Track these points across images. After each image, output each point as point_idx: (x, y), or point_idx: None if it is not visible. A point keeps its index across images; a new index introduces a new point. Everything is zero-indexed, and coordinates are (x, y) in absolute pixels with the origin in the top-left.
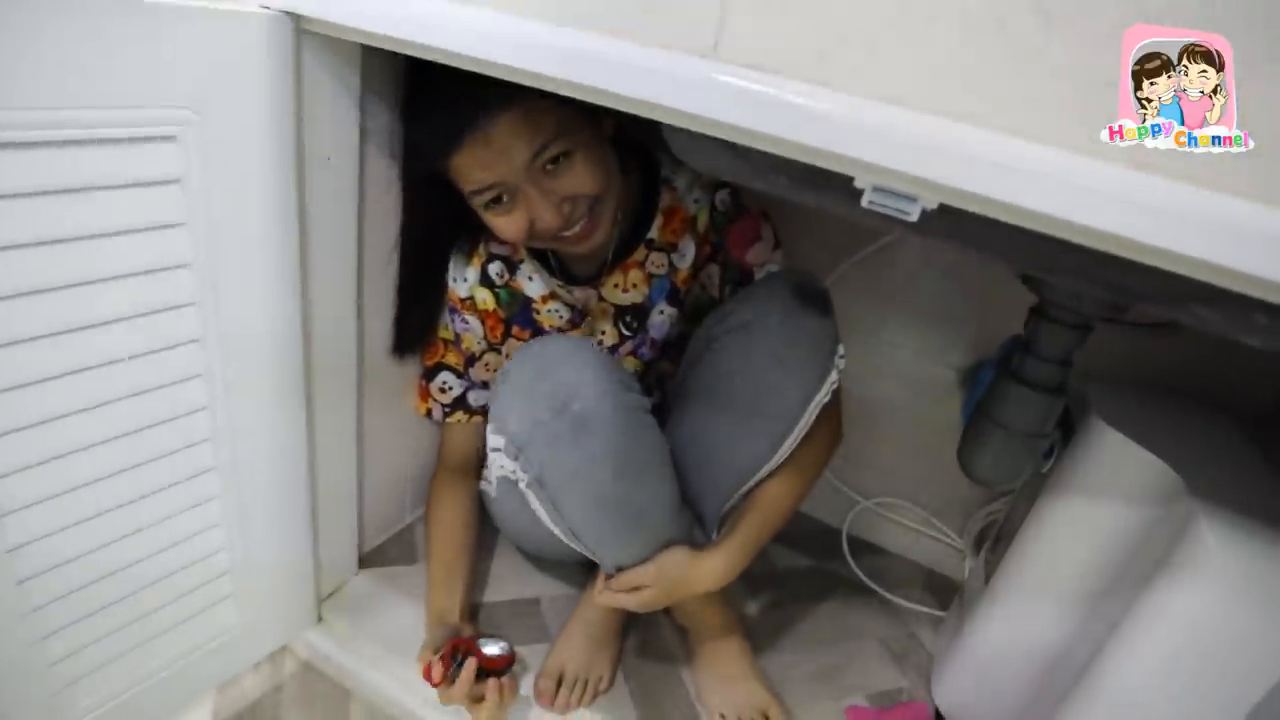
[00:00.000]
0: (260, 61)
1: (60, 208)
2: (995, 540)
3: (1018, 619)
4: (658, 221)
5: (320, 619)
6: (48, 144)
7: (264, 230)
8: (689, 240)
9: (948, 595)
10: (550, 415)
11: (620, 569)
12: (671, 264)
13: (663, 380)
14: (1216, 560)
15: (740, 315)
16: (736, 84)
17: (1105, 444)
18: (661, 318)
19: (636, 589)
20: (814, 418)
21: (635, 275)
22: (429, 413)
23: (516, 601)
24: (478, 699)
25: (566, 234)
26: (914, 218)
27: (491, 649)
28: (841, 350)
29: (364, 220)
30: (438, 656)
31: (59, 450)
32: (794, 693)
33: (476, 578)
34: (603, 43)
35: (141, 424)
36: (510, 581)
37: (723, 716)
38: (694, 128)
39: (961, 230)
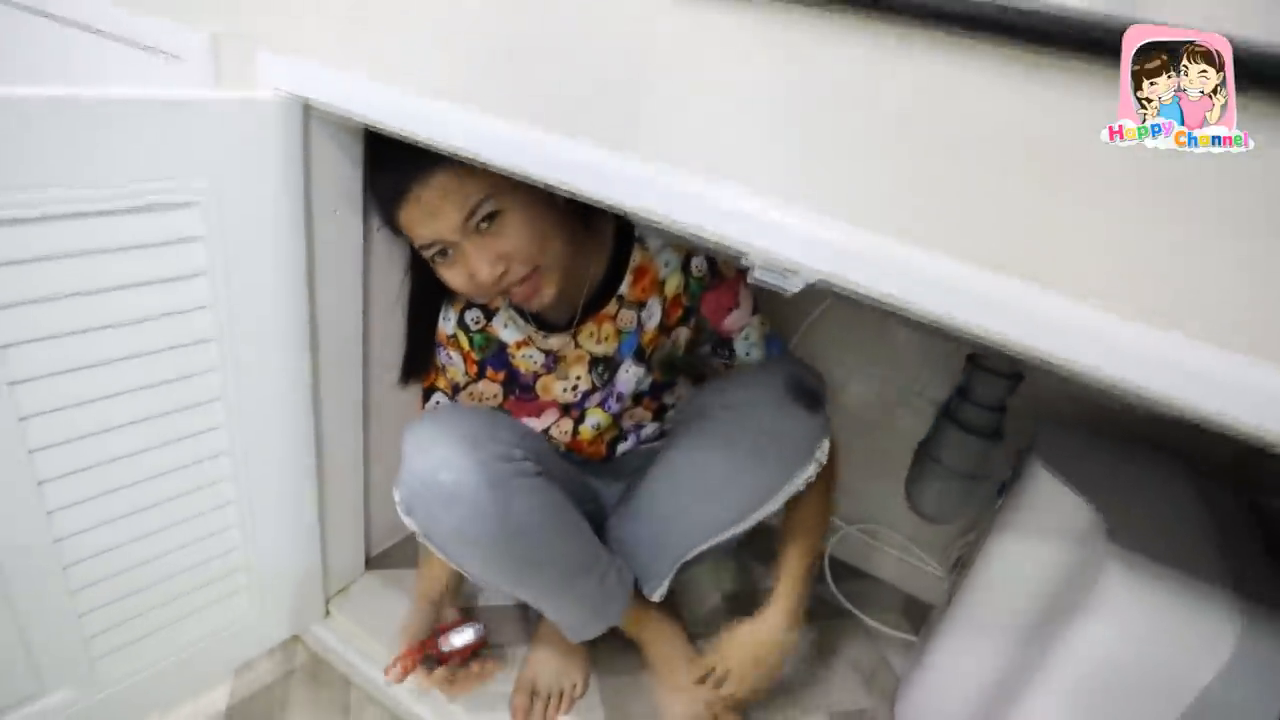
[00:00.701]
0: (273, 136)
1: (105, 261)
2: (959, 569)
3: (966, 648)
4: (628, 279)
5: (328, 614)
6: (97, 213)
7: (276, 274)
8: (656, 302)
9: (924, 621)
10: (423, 486)
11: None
12: (640, 322)
13: (640, 426)
14: (1121, 602)
15: (734, 395)
16: (641, 174)
17: (1040, 485)
18: (628, 375)
19: (715, 679)
20: (784, 500)
21: (608, 328)
22: None
23: (505, 606)
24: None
25: (511, 292)
26: (793, 291)
27: (459, 639)
28: (825, 446)
29: (370, 260)
30: (406, 654)
31: (96, 460)
32: (757, 708)
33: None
34: (529, 134)
35: (167, 438)
36: None
37: None
38: (612, 209)
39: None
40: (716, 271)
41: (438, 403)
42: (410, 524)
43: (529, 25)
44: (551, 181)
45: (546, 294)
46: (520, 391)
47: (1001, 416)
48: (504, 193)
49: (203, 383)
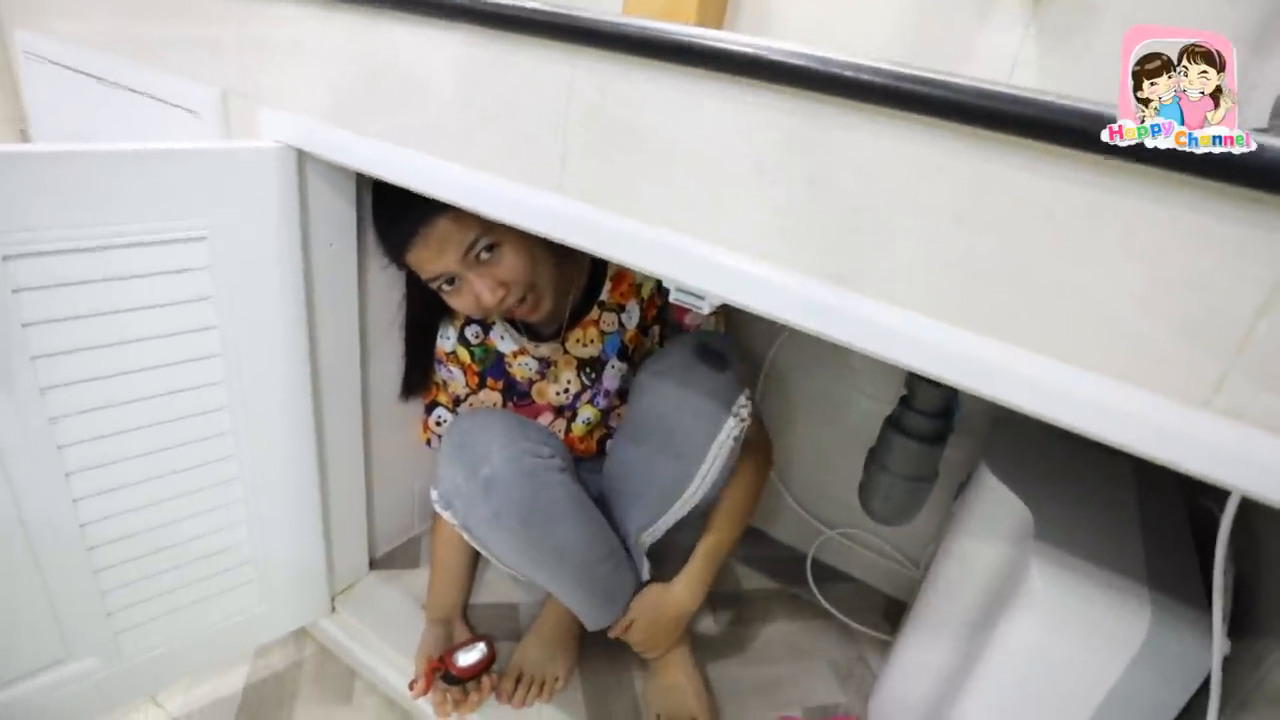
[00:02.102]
0: (272, 179)
1: (124, 287)
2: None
3: (926, 644)
4: (607, 286)
5: (334, 610)
6: (118, 246)
7: (276, 298)
8: (635, 303)
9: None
10: (464, 478)
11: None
12: (621, 323)
13: None
14: (1041, 595)
15: (654, 367)
16: (573, 211)
17: (985, 486)
18: (613, 371)
19: (628, 627)
20: (723, 457)
21: (592, 332)
22: (429, 442)
23: (498, 605)
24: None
25: (512, 310)
26: (706, 311)
27: (469, 657)
28: (743, 400)
29: (367, 288)
30: (423, 674)
31: (115, 457)
32: (733, 702)
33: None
34: (487, 180)
35: (177, 441)
36: (495, 586)
37: (658, 717)
38: (552, 239)
39: None
40: None
41: (439, 417)
42: (448, 517)
43: (480, 90)
44: (507, 219)
45: (544, 309)
46: (518, 398)
47: (944, 421)
48: (497, 228)
49: (210, 394)
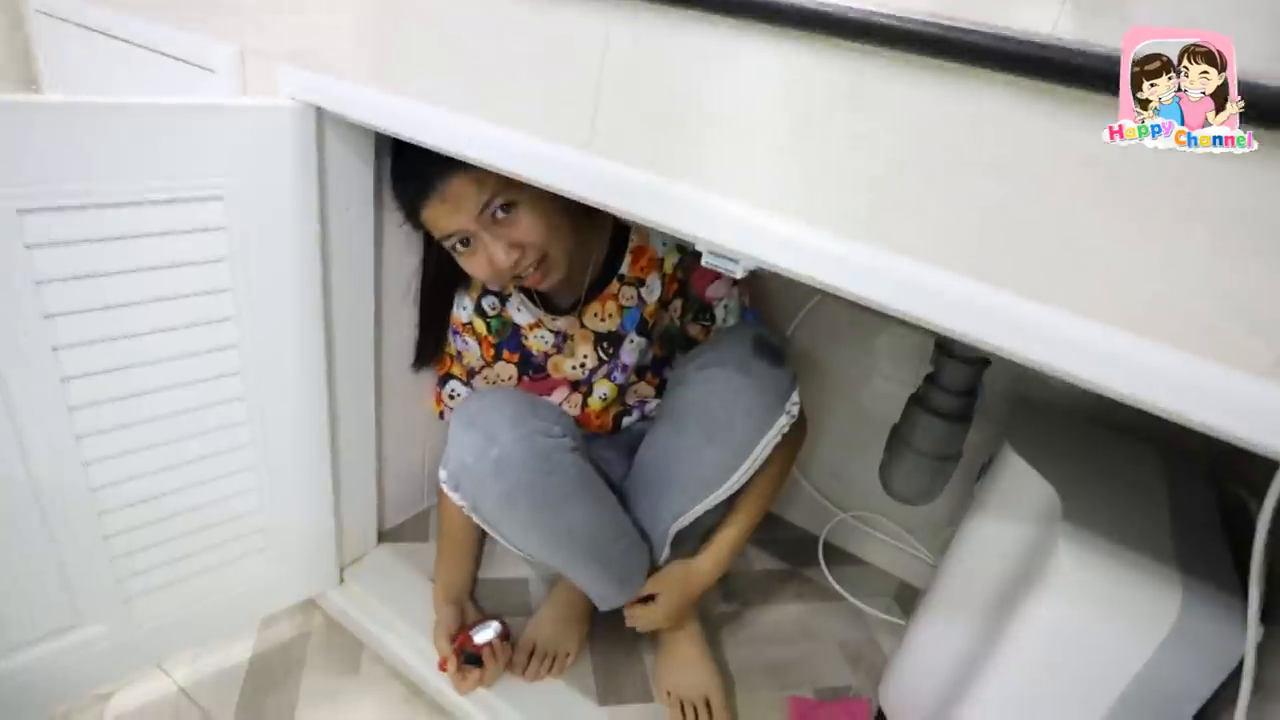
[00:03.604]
0: (289, 138)
1: (138, 245)
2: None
3: (942, 627)
4: (627, 260)
5: (342, 581)
6: (133, 203)
7: (291, 261)
8: (656, 278)
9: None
10: (474, 460)
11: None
12: (640, 298)
13: (644, 402)
14: (1069, 577)
15: (705, 358)
16: (603, 169)
17: (1010, 467)
18: (632, 345)
19: (650, 599)
20: (769, 451)
21: (610, 306)
22: (441, 414)
23: (510, 580)
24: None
25: (523, 275)
26: (740, 275)
27: (485, 635)
28: (795, 399)
29: (383, 251)
30: (452, 651)
31: (127, 421)
32: (744, 682)
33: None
34: (516, 137)
35: (190, 406)
36: (505, 560)
37: (669, 694)
38: (580, 200)
39: None
40: None
41: (453, 390)
42: (456, 499)
43: (512, 45)
44: (531, 178)
45: (555, 275)
46: (533, 371)
47: (969, 400)
48: (515, 187)
49: (223, 358)
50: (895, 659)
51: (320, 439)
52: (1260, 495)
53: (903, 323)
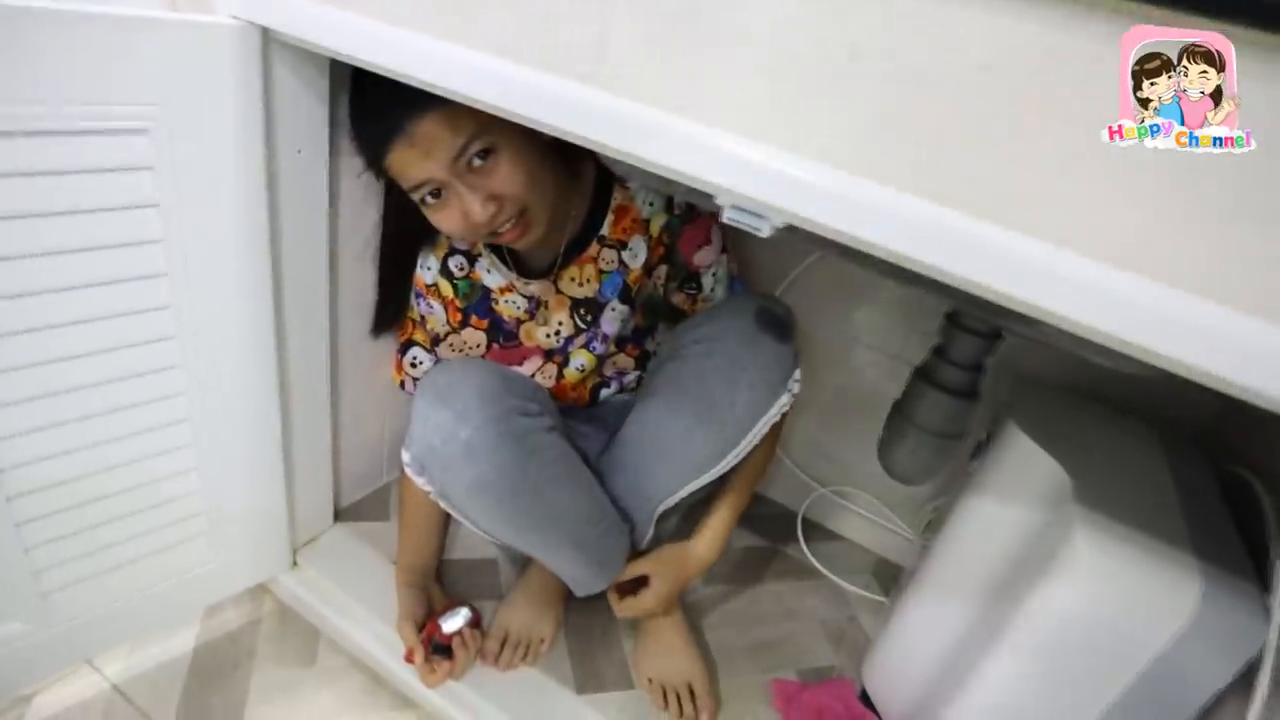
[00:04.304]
0: (229, 64)
1: (46, 184)
2: (931, 532)
3: (934, 608)
4: (609, 219)
5: (296, 564)
6: (34, 132)
7: (233, 211)
8: (640, 241)
9: (895, 583)
10: (441, 442)
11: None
12: (623, 261)
13: (622, 374)
14: (1085, 563)
15: (705, 330)
16: (612, 107)
17: (1013, 446)
18: (614, 314)
19: (641, 582)
20: (766, 430)
21: (589, 270)
22: (402, 384)
23: (478, 561)
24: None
25: (499, 232)
26: (766, 233)
27: (454, 623)
28: (798, 375)
29: (339, 205)
30: (420, 641)
31: (47, 390)
32: (726, 665)
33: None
34: (503, 67)
35: (114, 375)
36: (473, 540)
37: (651, 682)
38: (578, 142)
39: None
40: (694, 209)
41: (415, 358)
42: (422, 484)
43: None
44: (526, 116)
45: (535, 233)
46: (504, 339)
47: (978, 376)
48: (494, 131)
49: (154, 319)
50: (880, 639)
51: (269, 411)
52: (1261, 473)
53: (892, 288)
